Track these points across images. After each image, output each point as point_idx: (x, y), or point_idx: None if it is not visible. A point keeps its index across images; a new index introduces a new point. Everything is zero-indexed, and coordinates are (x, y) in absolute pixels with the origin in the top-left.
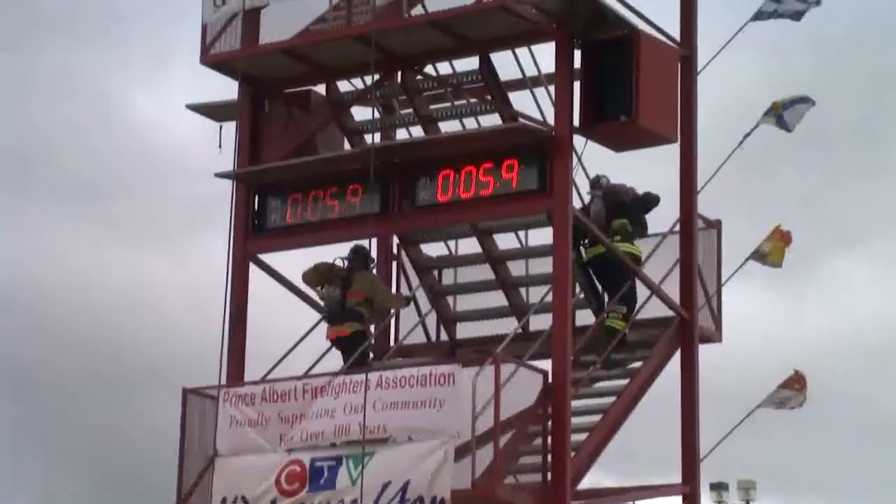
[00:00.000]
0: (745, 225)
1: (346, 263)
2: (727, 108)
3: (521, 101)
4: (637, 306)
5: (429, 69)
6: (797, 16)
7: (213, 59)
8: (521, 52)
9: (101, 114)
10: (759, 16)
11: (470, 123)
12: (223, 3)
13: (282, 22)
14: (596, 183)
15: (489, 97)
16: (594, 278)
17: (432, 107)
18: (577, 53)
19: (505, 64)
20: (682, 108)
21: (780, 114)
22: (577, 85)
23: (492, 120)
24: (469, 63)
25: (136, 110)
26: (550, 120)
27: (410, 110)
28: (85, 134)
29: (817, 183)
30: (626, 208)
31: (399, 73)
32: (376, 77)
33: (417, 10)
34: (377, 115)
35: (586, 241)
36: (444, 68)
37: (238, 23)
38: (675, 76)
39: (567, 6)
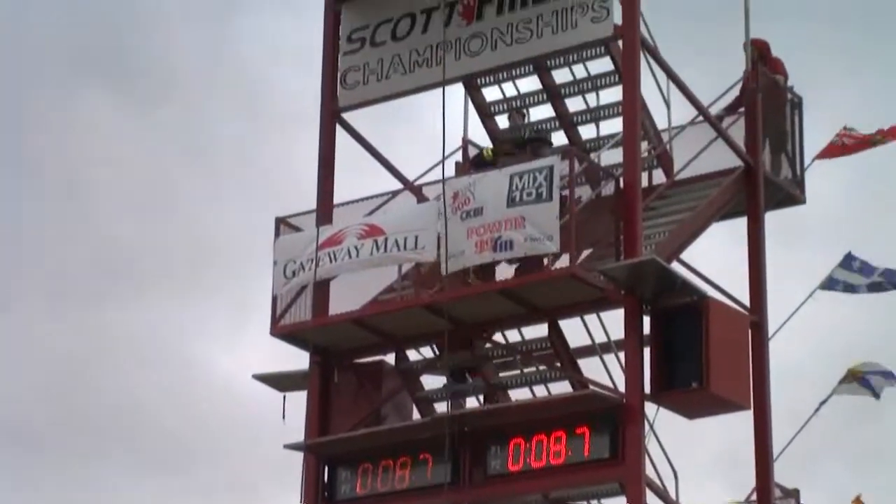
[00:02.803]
0: (827, 494)
1: None
2: (803, 373)
3: (590, 367)
4: None
5: (497, 336)
6: (872, 289)
7: (282, 331)
8: (590, 318)
9: (182, 378)
10: (827, 284)
11: (539, 391)
12: (293, 275)
13: (351, 292)
14: None
15: (558, 364)
16: None
17: (501, 374)
18: (647, 319)
19: (574, 330)
20: (755, 374)
21: (865, 378)
22: (646, 351)
23: (561, 387)
24: (538, 330)
25: (215, 374)
26: (621, 387)
27: (480, 378)
28: (166, 399)
29: None
30: None
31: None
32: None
33: None
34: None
35: None
36: (512, 335)
37: (308, 293)
38: (746, 342)
39: (635, 273)
